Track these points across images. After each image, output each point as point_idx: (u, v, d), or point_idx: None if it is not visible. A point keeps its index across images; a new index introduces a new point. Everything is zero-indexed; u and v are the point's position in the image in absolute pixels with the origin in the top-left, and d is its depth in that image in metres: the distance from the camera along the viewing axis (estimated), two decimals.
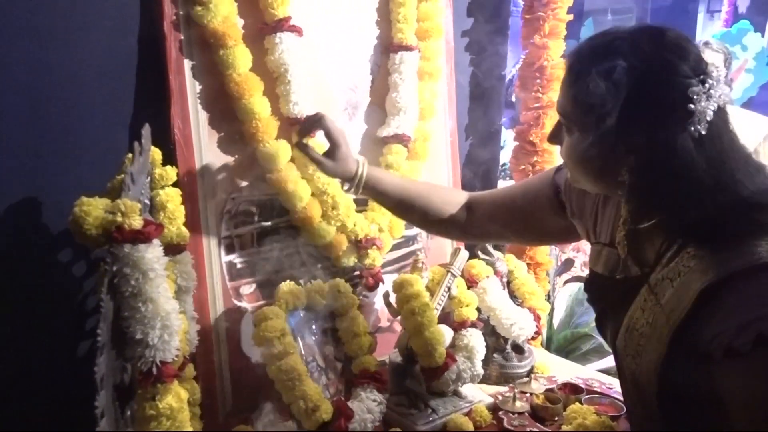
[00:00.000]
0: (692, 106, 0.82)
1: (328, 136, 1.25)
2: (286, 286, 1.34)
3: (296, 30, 1.37)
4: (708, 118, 0.83)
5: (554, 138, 0.97)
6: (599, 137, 0.87)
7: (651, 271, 0.92)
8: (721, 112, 0.84)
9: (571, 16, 1.80)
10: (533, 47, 1.80)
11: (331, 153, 1.25)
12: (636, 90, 0.83)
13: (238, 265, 1.38)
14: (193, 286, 1.22)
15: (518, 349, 1.58)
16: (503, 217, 1.24)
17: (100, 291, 0.82)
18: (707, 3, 9.21)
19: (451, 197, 1.29)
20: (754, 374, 0.77)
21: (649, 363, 0.89)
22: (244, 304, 1.38)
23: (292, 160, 1.39)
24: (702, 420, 0.87)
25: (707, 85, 0.82)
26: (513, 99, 3.02)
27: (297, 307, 1.34)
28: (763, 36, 4.92)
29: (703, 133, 0.83)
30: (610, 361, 2.05)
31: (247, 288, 1.40)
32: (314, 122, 1.26)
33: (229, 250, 1.37)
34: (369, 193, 1.28)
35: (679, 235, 0.88)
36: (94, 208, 0.86)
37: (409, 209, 1.28)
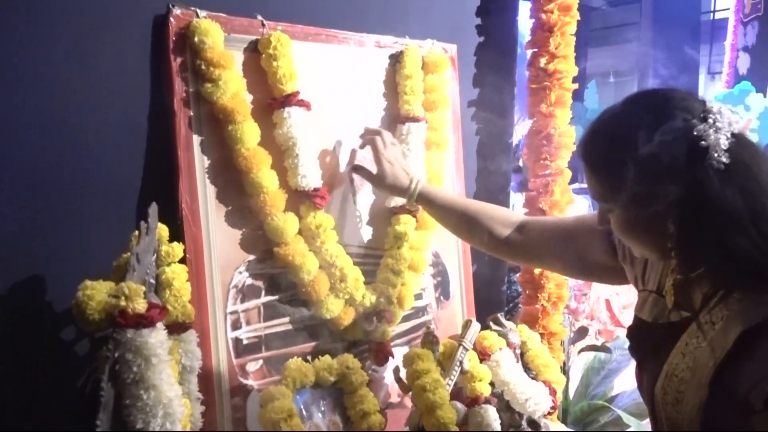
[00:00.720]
0: (704, 142, 0.85)
1: (378, 153, 1.37)
2: (294, 363, 1.30)
3: (304, 104, 1.39)
4: (724, 147, 0.85)
5: (602, 221, 1.01)
6: (636, 206, 0.90)
7: (695, 316, 0.94)
8: (739, 139, 0.86)
9: (576, 85, 1.82)
10: (540, 116, 1.81)
11: (381, 172, 1.39)
12: (649, 153, 0.86)
13: (245, 341, 1.35)
14: (198, 365, 1.18)
15: (534, 425, 1.52)
16: (554, 245, 1.26)
17: (101, 378, 0.80)
18: (708, 65, 9.40)
19: (507, 217, 1.34)
20: None
21: (690, 409, 0.89)
22: (250, 381, 1.34)
23: (300, 232, 1.38)
24: None
25: (711, 120, 0.86)
26: (520, 164, 3.04)
27: (305, 384, 1.30)
28: (765, 96, 4.98)
29: (726, 162, 0.85)
30: None
31: (254, 365, 1.36)
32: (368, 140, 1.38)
33: (236, 325, 1.34)
34: (426, 205, 1.39)
35: (727, 280, 0.89)
36: (97, 292, 0.84)
37: (469, 225, 1.34)
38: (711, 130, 0.85)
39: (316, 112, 1.44)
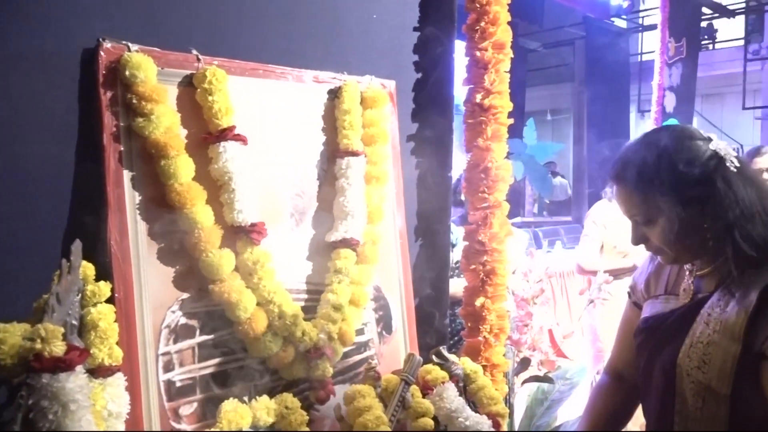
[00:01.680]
0: (720, 153, 1.16)
1: None
2: (229, 404, 1.25)
3: (240, 139, 1.37)
4: (734, 155, 1.16)
5: (639, 240, 1.25)
6: (678, 211, 1.14)
7: (710, 295, 1.19)
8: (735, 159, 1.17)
9: (511, 120, 1.86)
10: (477, 150, 1.84)
11: None
12: (685, 168, 1.14)
13: (178, 384, 1.29)
14: (125, 410, 1.13)
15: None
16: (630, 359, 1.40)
17: (12, 429, 0.74)
18: (638, 103, 9.88)
19: (608, 395, 1.46)
20: None
21: (720, 366, 1.11)
22: (183, 426, 1.28)
23: (236, 269, 1.34)
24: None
25: (712, 139, 1.19)
26: (462, 198, 3.08)
27: (241, 426, 1.25)
28: None
29: (738, 166, 1.16)
30: None
31: (188, 408, 1.30)
32: None
33: (168, 367, 1.28)
34: None
35: (744, 259, 1.11)
36: (10, 335, 0.79)
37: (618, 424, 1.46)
38: (719, 145, 1.17)
39: (254, 147, 1.42)
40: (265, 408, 1.28)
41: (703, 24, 9.25)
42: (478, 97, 1.82)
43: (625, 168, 1.21)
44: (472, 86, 1.85)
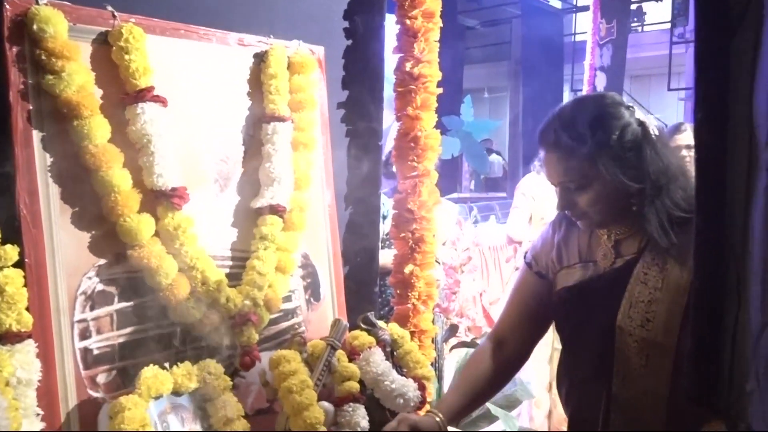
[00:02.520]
0: (643, 120, 1.22)
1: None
2: (149, 371, 1.23)
3: (160, 100, 1.33)
4: (655, 123, 1.22)
5: (567, 206, 1.26)
6: (611, 175, 1.17)
7: (639, 256, 1.22)
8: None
9: (441, 90, 1.87)
10: (407, 119, 1.85)
11: None
12: (617, 134, 1.18)
13: (95, 352, 1.26)
14: (36, 378, 1.09)
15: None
16: (528, 328, 1.43)
17: None
18: (571, 83, 10.12)
19: (485, 360, 1.42)
20: None
21: (668, 319, 1.16)
22: (101, 394, 1.25)
23: (156, 234, 1.31)
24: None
25: (635, 109, 1.25)
26: (394, 169, 3.10)
27: (161, 393, 1.23)
28: None
29: (657, 134, 1.21)
30: (497, 426, 2.05)
31: (105, 376, 1.27)
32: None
33: (84, 335, 1.24)
34: (458, 417, 1.41)
35: (668, 217, 1.17)
36: None
37: (482, 397, 1.48)
38: (641, 114, 1.22)
39: (175, 110, 1.38)
40: (186, 374, 1.27)
41: (633, 6, 9.54)
42: (408, 66, 1.82)
43: (557, 134, 1.22)
44: (402, 54, 1.84)
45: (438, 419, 1.32)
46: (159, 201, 1.32)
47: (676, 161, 1.23)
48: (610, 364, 1.23)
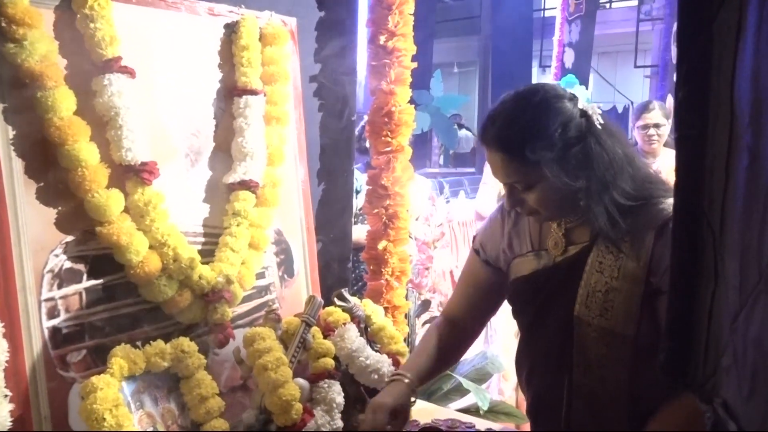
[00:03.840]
0: (587, 112, 1.15)
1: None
2: (121, 349, 1.21)
3: (128, 71, 1.28)
4: (599, 113, 1.16)
5: (515, 204, 1.21)
6: (557, 174, 1.12)
7: (591, 245, 1.19)
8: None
9: (415, 64, 1.86)
10: (381, 93, 1.83)
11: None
12: (560, 130, 1.12)
13: (64, 331, 1.23)
14: (4, 358, 1.06)
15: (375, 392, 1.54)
16: (477, 309, 1.43)
17: None
18: (540, 59, 10.16)
19: (438, 335, 1.41)
20: None
21: (626, 308, 1.14)
22: (71, 373, 1.22)
23: (127, 210, 1.28)
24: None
25: (578, 99, 1.17)
26: (367, 144, 3.08)
27: (134, 372, 1.21)
28: (587, 89, 5.48)
29: (603, 122, 1.16)
30: (470, 399, 2.08)
31: (76, 355, 1.24)
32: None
33: (52, 314, 1.21)
34: (426, 380, 1.42)
35: (617, 208, 1.14)
36: None
37: (447, 360, 1.46)
38: (585, 104, 1.15)
39: (143, 82, 1.34)
40: (159, 352, 1.25)
41: None
42: (382, 39, 1.79)
43: (502, 134, 1.15)
44: (375, 27, 1.82)
45: (407, 380, 1.32)
46: (128, 176, 1.29)
47: (623, 150, 1.18)
48: (570, 353, 1.21)
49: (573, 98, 1.16)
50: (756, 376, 0.56)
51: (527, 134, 1.12)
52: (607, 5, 10.80)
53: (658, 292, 1.12)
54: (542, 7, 10.48)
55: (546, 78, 9.02)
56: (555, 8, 7.45)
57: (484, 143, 1.19)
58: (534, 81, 9.74)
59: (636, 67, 9.05)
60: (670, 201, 1.07)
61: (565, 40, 6.91)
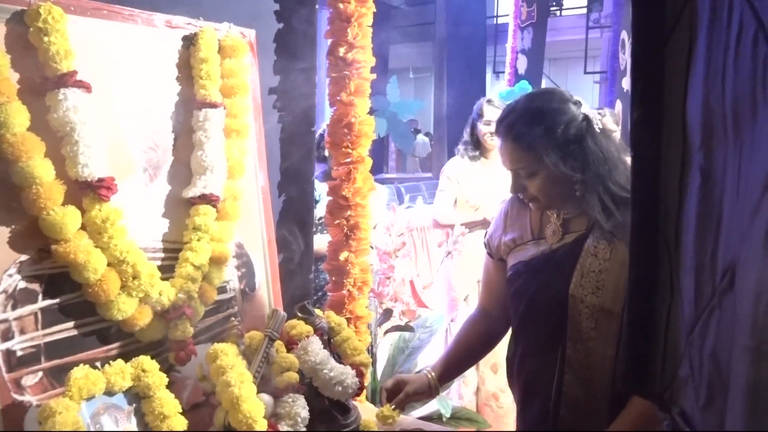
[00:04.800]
0: (589, 115, 1.32)
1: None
2: (79, 371, 1.18)
3: (84, 86, 1.25)
4: (600, 117, 1.34)
5: (518, 190, 1.39)
6: (557, 165, 1.29)
7: (588, 234, 1.35)
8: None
9: (374, 75, 1.87)
10: (341, 104, 1.84)
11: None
12: (565, 128, 1.30)
13: (19, 353, 1.19)
14: None
15: (343, 408, 1.55)
16: (504, 302, 1.53)
17: None
18: (493, 65, 10.33)
19: (473, 326, 1.61)
20: None
21: (615, 287, 1.29)
22: (27, 397, 1.19)
23: (83, 227, 1.25)
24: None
25: (583, 104, 1.35)
26: (326, 153, 3.08)
27: (94, 394, 1.18)
28: None
29: (601, 127, 1.33)
30: (432, 407, 2.10)
31: (32, 378, 1.20)
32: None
33: (6, 336, 1.17)
34: (449, 379, 1.64)
35: (611, 201, 1.28)
36: None
37: (472, 359, 1.73)
38: (587, 109, 1.33)
39: (100, 95, 1.31)
40: (119, 372, 1.22)
41: None
42: (341, 51, 1.80)
43: (512, 126, 1.33)
44: (334, 39, 1.82)
45: (430, 377, 1.53)
46: (85, 192, 1.26)
47: (617, 150, 1.34)
48: (564, 330, 1.35)
49: (578, 103, 1.34)
50: (712, 387, 0.59)
51: (534, 127, 1.30)
52: (557, 13, 11.08)
53: None
54: (495, 14, 10.66)
55: (500, 84, 9.17)
56: (508, 15, 7.59)
57: (497, 132, 1.38)
58: (488, 86, 9.92)
59: (586, 73, 9.29)
60: None
61: (518, 46, 7.05)
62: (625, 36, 6.91)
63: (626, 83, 6.92)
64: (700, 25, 0.64)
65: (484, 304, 1.62)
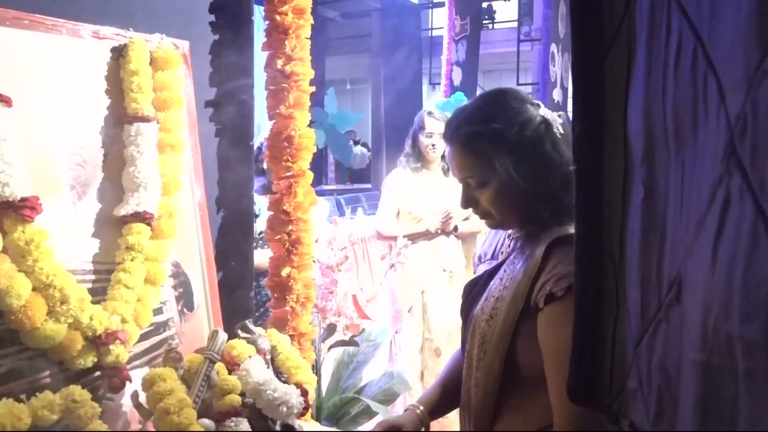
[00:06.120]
0: (549, 119, 1.15)
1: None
2: (3, 405, 1.09)
3: (3, 99, 1.18)
4: (559, 122, 1.15)
5: (468, 203, 1.21)
6: (511, 173, 1.12)
7: (510, 254, 1.22)
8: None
9: (313, 88, 1.84)
10: (280, 117, 1.80)
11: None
12: (520, 131, 1.13)
13: None
14: None
15: (288, 428, 1.50)
16: None
17: None
18: (429, 76, 10.47)
19: (458, 364, 1.36)
20: (566, 319, 0.87)
21: (502, 321, 1.12)
22: None
23: (5, 250, 1.17)
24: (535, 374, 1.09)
25: (542, 106, 1.18)
26: (264, 166, 3.02)
27: (19, 429, 1.10)
28: None
29: (563, 132, 1.15)
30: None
31: None
32: None
33: None
34: (438, 412, 1.39)
35: (547, 215, 1.14)
36: None
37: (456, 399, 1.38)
38: (547, 112, 1.16)
39: (21, 110, 1.24)
40: (47, 404, 1.14)
41: (484, 5, 10.05)
42: (279, 63, 1.77)
43: (460, 128, 1.17)
44: (272, 51, 1.79)
45: (418, 411, 1.35)
46: (6, 213, 1.18)
47: None
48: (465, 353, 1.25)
49: (536, 104, 1.18)
50: (661, 400, 0.59)
51: (484, 129, 1.14)
52: (490, 26, 11.34)
53: (536, 309, 1.08)
54: (430, 27, 10.82)
55: (436, 95, 9.31)
56: (442, 28, 7.71)
57: (444, 136, 1.23)
58: (424, 98, 10.04)
59: (518, 84, 9.54)
60: None
61: (453, 59, 7.17)
62: (554, 49, 7.14)
63: (557, 94, 7.17)
64: (639, 39, 0.65)
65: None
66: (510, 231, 1.26)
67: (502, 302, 1.14)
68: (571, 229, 1.08)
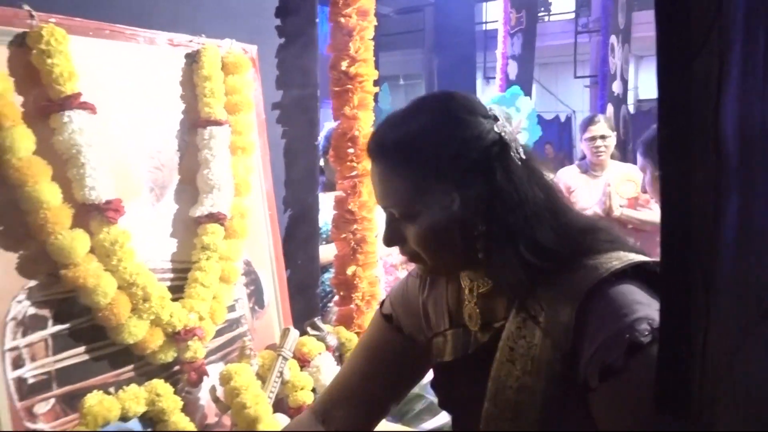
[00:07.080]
0: (505, 138, 0.85)
1: None
2: (93, 397, 1.16)
3: (88, 107, 1.24)
4: (522, 142, 0.86)
5: (393, 239, 0.89)
6: (444, 205, 0.83)
7: (501, 328, 0.86)
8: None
9: (377, 88, 1.86)
10: (344, 118, 1.83)
11: None
12: (457, 151, 0.83)
13: (30, 381, 1.17)
14: None
15: None
16: (392, 386, 1.08)
17: None
18: (484, 70, 10.38)
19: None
20: (636, 387, 0.72)
21: (541, 410, 0.81)
22: (40, 425, 1.16)
23: (92, 251, 1.23)
24: None
25: (500, 118, 0.86)
26: (321, 163, 3.06)
27: (109, 420, 1.16)
28: (531, 99, 5.63)
29: (524, 158, 0.85)
30: (442, 419, 2.08)
31: (44, 405, 1.18)
32: None
33: (17, 364, 1.15)
34: None
35: (533, 274, 0.83)
36: None
37: None
38: (506, 128, 0.85)
39: (104, 116, 1.30)
40: (134, 397, 1.20)
41: None
42: (344, 65, 1.79)
43: (383, 143, 0.87)
44: (336, 53, 1.81)
45: None
46: (92, 215, 1.24)
47: (546, 195, 0.86)
48: None
49: (491, 117, 0.86)
50: (753, 413, 0.58)
51: (412, 144, 0.84)
52: (546, 18, 11.14)
53: (585, 389, 0.79)
54: (484, 21, 10.71)
55: (491, 89, 9.21)
56: (497, 21, 7.62)
57: (366, 150, 0.92)
58: (479, 92, 9.95)
59: (576, 77, 9.34)
60: (616, 254, 0.83)
61: (508, 52, 7.08)
62: (614, 40, 6.96)
63: (617, 87, 6.98)
64: (734, 44, 0.63)
65: (324, 403, 1.08)
66: (462, 284, 0.95)
67: (529, 394, 0.82)
68: (593, 263, 0.83)
